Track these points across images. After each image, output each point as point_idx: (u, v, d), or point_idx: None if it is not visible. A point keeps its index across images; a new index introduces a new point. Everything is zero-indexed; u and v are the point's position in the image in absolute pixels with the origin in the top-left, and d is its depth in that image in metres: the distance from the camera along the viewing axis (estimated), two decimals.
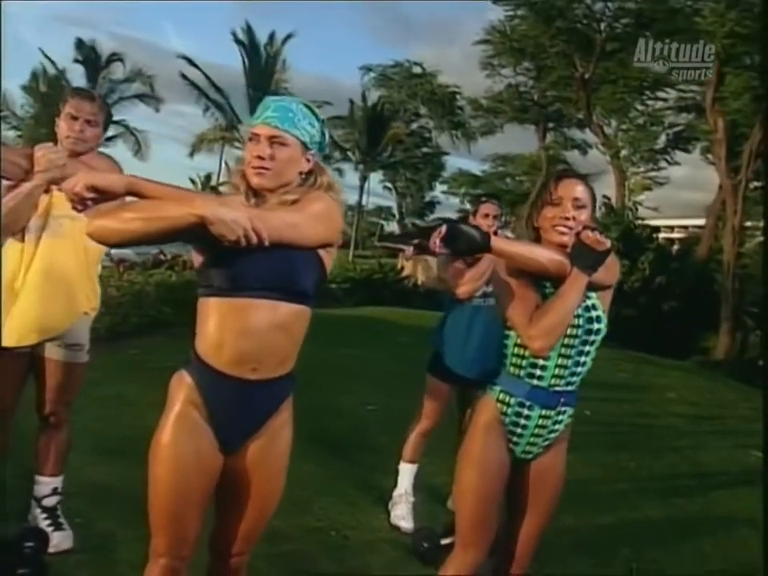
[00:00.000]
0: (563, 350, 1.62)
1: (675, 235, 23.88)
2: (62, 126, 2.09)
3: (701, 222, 18.95)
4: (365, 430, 4.00)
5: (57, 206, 2.05)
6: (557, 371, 1.63)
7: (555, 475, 1.71)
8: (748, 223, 13.58)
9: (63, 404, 2.19)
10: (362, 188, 26.26)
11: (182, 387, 1.40)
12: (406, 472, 2.90)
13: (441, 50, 45.50)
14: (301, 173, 1.43)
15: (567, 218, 1.62)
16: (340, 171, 25.34)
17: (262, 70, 20.84)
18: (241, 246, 1.27)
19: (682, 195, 43.59)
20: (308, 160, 1.44)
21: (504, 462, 1.66)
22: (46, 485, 2.23)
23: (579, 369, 1.66)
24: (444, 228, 1.46)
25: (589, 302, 1.64)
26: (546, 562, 1.93)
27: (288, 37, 21.19)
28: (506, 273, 1.65)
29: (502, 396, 1.68)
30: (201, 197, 1.36)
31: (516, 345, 1.66)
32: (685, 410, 6.25)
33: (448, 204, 30.52)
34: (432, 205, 30.06)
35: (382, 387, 5.06)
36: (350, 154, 25.57)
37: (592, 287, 1.61)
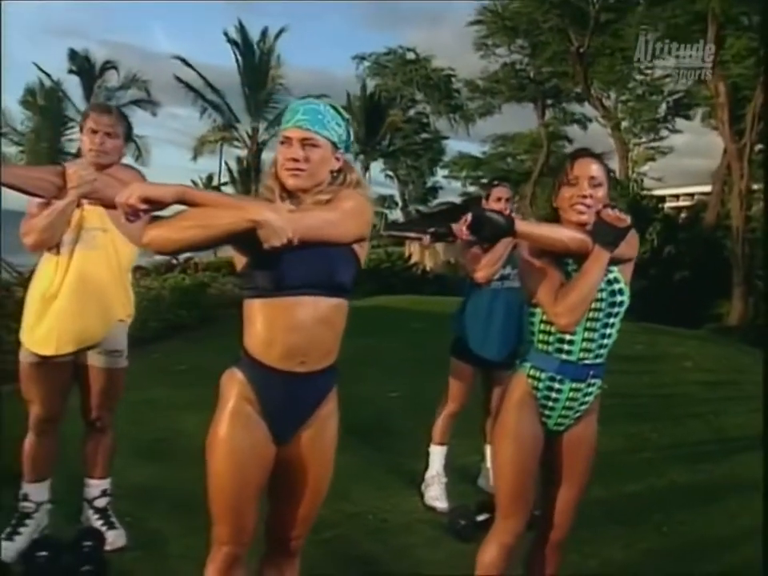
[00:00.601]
0: (589, 324, 1.68)
1: (681, 203, 23.71)
2: (85, 141, 2.16)
3: (706, 188, 18.82)
4: (389, 417, 4.08)
5: (88, 219, 2.12)
6: (584, 345, 1.69)
7: (587, 445, 1.78)
8: (755, 186, 13.48)
9: (107, 409, 2.28)
10: (363, 178, 26.16)
11: (234, 384, 1.47)
12: (437, 454, 2.97)
13: (432, 34, 45.16)
14: (331, 171, 1.49)
15: (585, 197, 1.67)
16: None
17: (257, 67, 20.75)
18: (279, 250, 1.33)
19: (685, 163, 43.27)
20: (337, 159, 1.50)
21: (538, 435, 1.73)
22: (96, 487, 2.33)
23: (606, 341, 1.72)
24: (469, 216, 1.51)
25: (611, 276, 1.70)
26: (580, 533, 2.00)
27: (280, 32, 21.09)
28: (529, 253, 1.71)
29: (532, 372, 1.74)
30: (250, 202, 1.42)
31: (542, 321, 1.72)
32: (702, 378, 6.29)
33: (450, 188, 30.44)
34: (434, 190, 29.96)
35: (401, 374, 5.14)
36: None
37: (613, 261, 1.67)
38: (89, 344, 2.19)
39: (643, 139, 22.75)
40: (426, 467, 2.99)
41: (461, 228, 1.52)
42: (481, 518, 2.55)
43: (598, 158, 1.76)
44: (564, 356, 1.70)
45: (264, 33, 21.04)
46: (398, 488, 3.05)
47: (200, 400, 4.49)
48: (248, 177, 24.84)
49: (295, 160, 1.43)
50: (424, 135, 27.55)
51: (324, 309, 1.44)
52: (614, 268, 1.70)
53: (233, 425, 1.44)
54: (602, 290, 1.68)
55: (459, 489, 2.99)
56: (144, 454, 3.14)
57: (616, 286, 1.70)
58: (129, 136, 2.26)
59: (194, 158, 22.84)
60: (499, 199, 2.90)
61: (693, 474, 3.57)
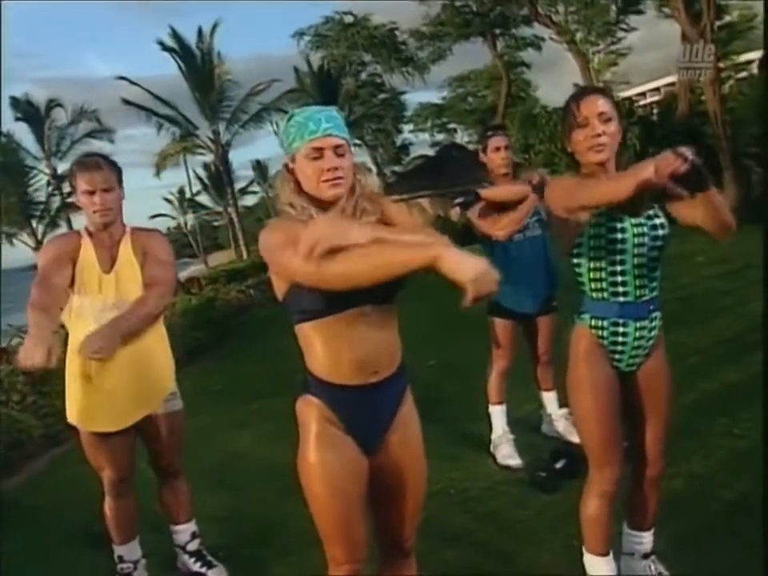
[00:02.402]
0: (637, 261, 1.66)
1: (649, 100, 23.43)
2: (83, 202, 2.06)
3: (669, 79, 18.53)
4: (433, 387, 4.08)
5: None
6: (638, 282, 1.68)
7: (663, 376, 1.78)
8: (721, 65, 13.24)
9: (176, 453, 2.27)
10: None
11: (311, 408, 1.45)
12: (498, 413, 2.99)
13: None
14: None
15: (598, 135, 1.63)
16: None
17: (201, 69, 20.21)
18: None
19: (645, 59, 42.64)
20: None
21: (612, 380, 1.73)
22: (185, 531, 2.34)
23: (655, 273, 1.72)
24: (683, 165, 1.37)
25: (650, 212, 1.69)
26: None
27: (214, 28, 20.51)
28: (563, 209, 1.67)
29: (594, 322, 1.73)
30: (408, 235, 1.31)
31: (590, 270, 1.70)
32: (718, 270, 6.32)
33: (419, 142, 30.09)
34: (405, 148, 29.55)
35: (431, 340, 5.14)
36: None
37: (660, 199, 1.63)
38: (150, 410, 2.16)
39: (601, 46, 22.33)
40: (491, 429, 3.01)
41: (667, 172, 1.36)
42: (559, 465, 2.58)
43: (603, 91, 1.71)
44: (622, 298, 1.68)
45: (199, 33, 20.47)
46: (467, 455, 3.07)
47: (245, 416, 4.48)
48: (219, 180, 24.47)
49: (335, 169, 1.38)
50: (381, 96, 27.02)
51: (379, 316, 1.42)
52: (654, 204, 1.68)
53: (321, 448, 1.43)
54: (641, 225, 1.67)
55: (526, 441, 3.01)
56: (208, 484, 3.14)
57: (657, 221, 1.69)
58: (121, 180, 2.15)
59: (157, 174, 22.34)
60: (498, 149, 2.83)
61: (741, 368, 3.58)
